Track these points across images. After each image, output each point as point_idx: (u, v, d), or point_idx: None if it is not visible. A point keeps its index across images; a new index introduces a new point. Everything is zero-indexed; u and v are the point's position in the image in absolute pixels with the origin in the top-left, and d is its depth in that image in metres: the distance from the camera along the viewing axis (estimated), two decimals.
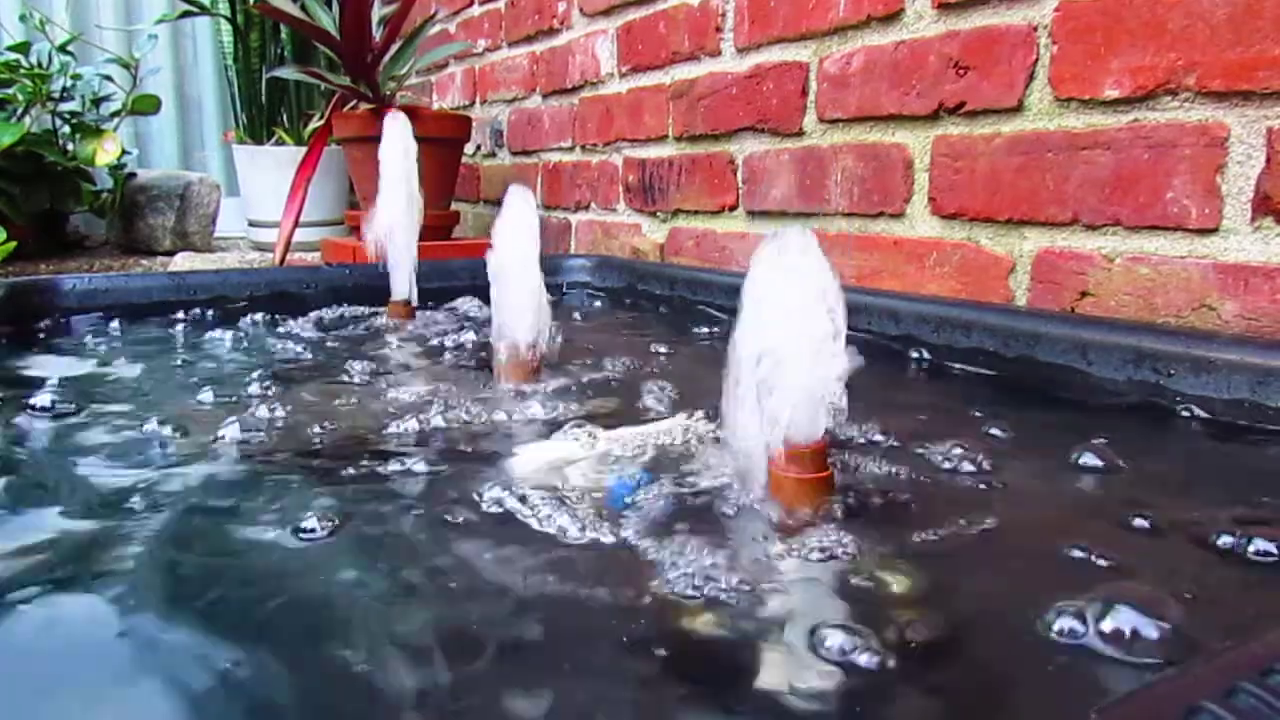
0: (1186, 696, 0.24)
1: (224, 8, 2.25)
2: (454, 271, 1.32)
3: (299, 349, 0.96)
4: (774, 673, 0.34)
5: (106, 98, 2.25)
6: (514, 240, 0.77)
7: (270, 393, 0.76)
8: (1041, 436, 0.66)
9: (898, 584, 0.41)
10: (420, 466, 0.57)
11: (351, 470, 0.57)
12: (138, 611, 0.39)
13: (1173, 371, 0.70)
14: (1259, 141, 0.76)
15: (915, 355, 0.90)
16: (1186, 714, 0.23)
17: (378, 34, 1.81)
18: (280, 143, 2.32)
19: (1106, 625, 0.35)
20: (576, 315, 1.25)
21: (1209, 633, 0.35)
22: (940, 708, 0.33)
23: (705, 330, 1.09)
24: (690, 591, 0.40)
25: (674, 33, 1.46)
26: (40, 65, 2.09)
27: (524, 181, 1.99)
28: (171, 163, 2.79)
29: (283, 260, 1.75)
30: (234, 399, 0.74)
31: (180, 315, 1.15)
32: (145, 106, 2.29)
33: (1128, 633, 0.35)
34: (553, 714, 0.32)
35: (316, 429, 0.66)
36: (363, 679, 0.34)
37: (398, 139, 1.10)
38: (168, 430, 0.64)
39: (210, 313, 1.16)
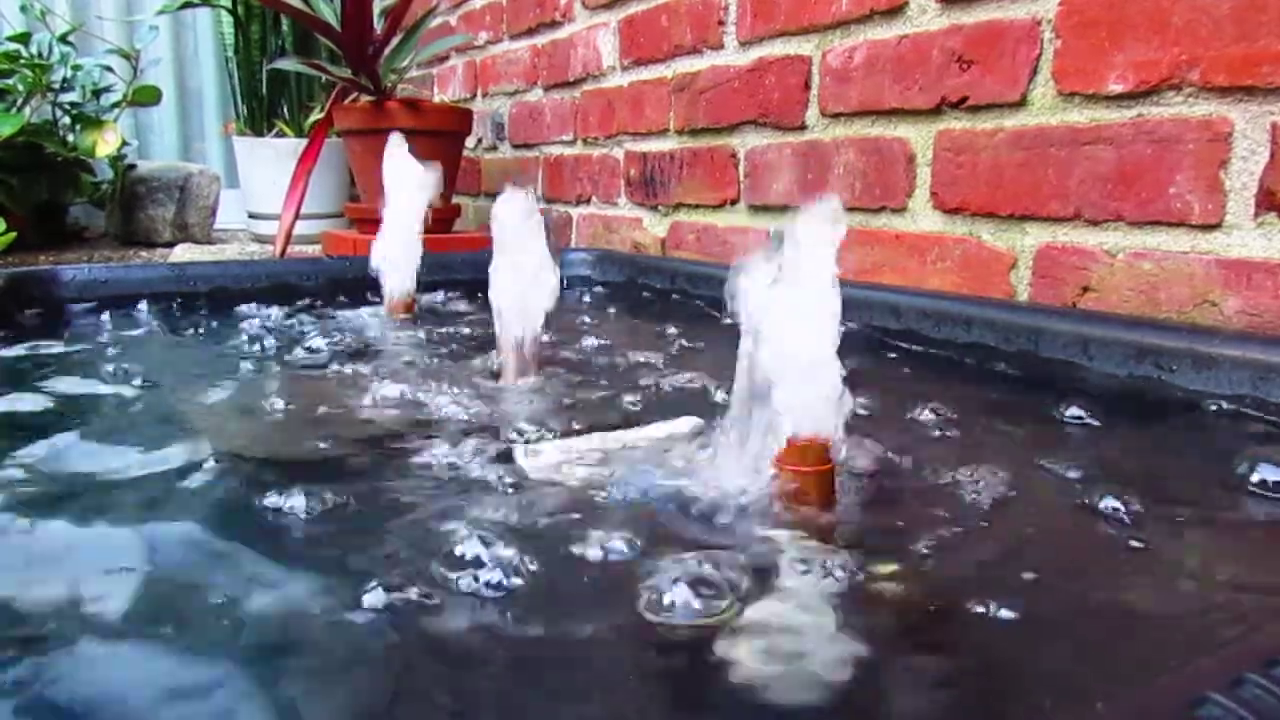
0: (1193, 688, 0.24)
1: None
2: (455, 265, 1.31)
3: (295, 341, 0.95)
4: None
5: (107, 89, 2.24)
6: (516, 233, 0.77)
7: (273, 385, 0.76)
8: (1043, 432, 0.66)
9: (895, 581, 0.41)
10: (426, 459, 0.57)
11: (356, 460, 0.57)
12: None
13: (1174, 367, 0.70)
14: (1263, 137, 0.76)
15: (910, 349, 0.90)
16: (1193, 705, 0.23)
17: (379, 26, 1.80)
18: (280, 135, 2.32)
19: None
20: (577, 309, 1.25)
21: None
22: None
23: (705, 326, 1.09)
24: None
25: (676, 26, 1.46)
26: (40, 56, 2.09)
27: (525, 174, 1.99)
28: (171, 154, 2.79)
29: (283, 252, 1.75)
30: (256, 401, 0.74)
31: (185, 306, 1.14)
32: (145, 98, 2.28)
33: None
34: None
35: (313, 424, 0.66)
36: None
37: (399, 159, 1.10)
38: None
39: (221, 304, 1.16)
